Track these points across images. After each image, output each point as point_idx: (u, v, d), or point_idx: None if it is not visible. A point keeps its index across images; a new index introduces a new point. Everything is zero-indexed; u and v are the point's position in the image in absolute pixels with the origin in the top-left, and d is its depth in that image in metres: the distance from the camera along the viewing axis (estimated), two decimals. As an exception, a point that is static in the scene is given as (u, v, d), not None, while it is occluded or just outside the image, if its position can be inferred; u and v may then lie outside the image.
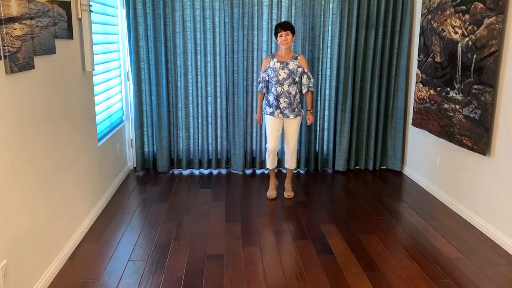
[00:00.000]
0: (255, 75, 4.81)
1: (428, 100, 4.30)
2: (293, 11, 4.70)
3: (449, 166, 4.04)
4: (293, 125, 4.08)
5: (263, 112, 4.18)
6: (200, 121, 4.94)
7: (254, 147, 5.04)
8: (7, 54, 2.21)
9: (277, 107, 4.02)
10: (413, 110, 4.62)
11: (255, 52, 4.77)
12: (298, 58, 4.02)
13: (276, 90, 4.00)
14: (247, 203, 4.09)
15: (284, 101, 4.00)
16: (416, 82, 4.56)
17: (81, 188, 3.40)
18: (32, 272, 2.55)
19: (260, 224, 3.65)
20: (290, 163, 4.22)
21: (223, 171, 5.05)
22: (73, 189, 3.23)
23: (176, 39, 4.68)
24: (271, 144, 4.13)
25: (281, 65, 3.98)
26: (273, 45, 4.76)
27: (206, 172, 5.02)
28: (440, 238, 3.41)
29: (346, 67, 4.80)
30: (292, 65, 3.98)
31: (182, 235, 3.43)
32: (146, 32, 4.63)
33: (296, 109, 4.04)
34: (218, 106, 4.90)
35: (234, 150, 4.96)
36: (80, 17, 3.30)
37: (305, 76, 4.02)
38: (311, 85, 4.05)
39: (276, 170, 4.52)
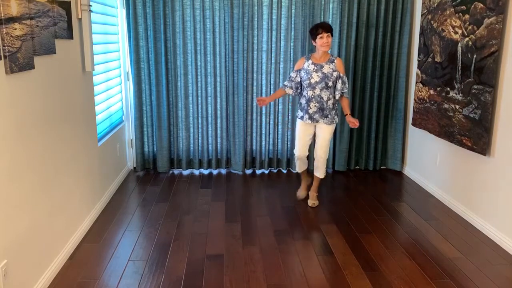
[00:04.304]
0: (255, 75, 4.81)
1: (428, 100, 4.30)
2: (293, 11, 4.70)
3: (449, 166, 4.04)
4: (324, 132, 3.82)
5: (295, 116, 3.95)
6: (200, 121, 4.94)
7: (254, 147, 5.03)
8: (7, 54, 2.21)
9: (306, 111, 3.80)
10: (413, 110, 4.62)
11: (255, 52, 4.76)
12: (335, 61, 3.76)
13: (307, 93, 3.77)
14: (247, 203, 4.09)
15: (315, 106, 3.75)
16: (416, 82, 4.56)
17: (81, 188, 3.40)
18: (32, 272, 2.55)
19: (260, 224, 3.65)
20: (319, 171, 3.97)
21: (223, 171, 5.05)
22: (73, 189, 3.23)
23: (176, 39, 4.68)
24: (298, 150, 3.90)
25: (315, 68, 3.74)
26: (273, 45, 4.75)
27: (206, 172, 5.02)
28: (440, 238, 3.41)
29: (346, 67, 4.80)
30: (327, 68, 3.72)
31: (182, 235, 3.43)
32: (146, 32, 4.63)
33: (329, 116, 3.78)
34: (218, 106, 4.90)
35: (234, 150, 4.96)
36: (80, 17, 3.30)
37: (340, 80, 3.75)
38: (345, 90, 3.78)
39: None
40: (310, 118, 3.79)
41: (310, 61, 3.78)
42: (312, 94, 3.75)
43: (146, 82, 4.74)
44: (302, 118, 3.85)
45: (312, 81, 3.73)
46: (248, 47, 4.74)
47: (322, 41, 3.65)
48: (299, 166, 4.06)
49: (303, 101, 3.84)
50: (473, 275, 2.90)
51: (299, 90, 3.90)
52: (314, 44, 3.75)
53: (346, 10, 4.67)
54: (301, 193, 4.16)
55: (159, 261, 3.02)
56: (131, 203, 4.05)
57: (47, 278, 2.71)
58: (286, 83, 3.91)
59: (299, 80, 3.84)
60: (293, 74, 3.86)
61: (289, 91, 3.90)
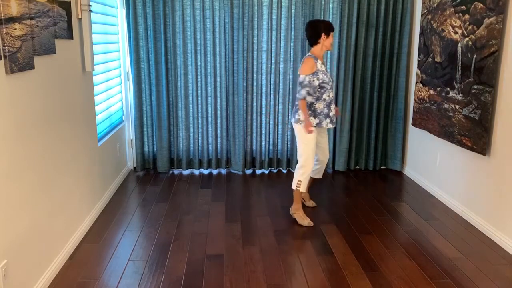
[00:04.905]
0: (255, 75, 4.81)
1: (428, 100, 4.30)
2: (293, 11, 4.70)
3: (449, 166, 4.04)
4: (327, 135, 3.79)
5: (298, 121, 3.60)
6: (200, 121, 4.94)
7: (254, 147, 5.04)
8: (7, 54, 2.21)
9: (327, 115, 3.55)
10: (413, 110, 4.62)
11: (255, 52, 4.77)
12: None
13: (329, 96, 3.52)
14: (247, 203, 4.09)
15: (333, 107, 3.60)
16: (416, 82, 4.56)
17: (81, 188, 3.40)
18: (32, 272, 2.55)
19: (260, 224, 3.65)
20: (320, 173, 3.89)
21: (223, 171, 5.05)
22: (73, 189, 3.23)
23: (176, 39, 4.68)
24: (312, 162, 3.58)
25: (325, 68, 3.56)
26: (273, 45, 4.75)
27: (206, 172, 5.02)
28: (440, 238, 3.41)
29: (346, 67, 4.80)
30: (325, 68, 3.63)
31: (182, 235, 3.43)
32: (146, 32, 4.63)
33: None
34: (218, 106, 4.90)
35: (234, 150, 4.96)
36: (80, 17, 3.30)
37: None
38: None
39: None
40: (331, 121, 3.58)
41: (319, 61, 3.51)
42: (332, 95, 3.57)
43: (146, 82, 4.74)
44: (319, 124, 3.55)
45: (330, 82, 3.54)
46: (248, 47, 4.74)
47: (332, 41, 3.54)
48: (307, 183, 3.69)
49: (321, 105, 3.51)
50: (473, 275, 2.90)
51: (317, 94, 3.52)
52: (323, 41, 3.49)
53: (346, 10, 4.67)
54: (307, 220, 3.64)
55: (159, 261, 3.02)
56: (131, 203, 4.05)
57: (47, 278, 2.71)
58: (304, 92, 3.44)
59: (316, 84, 3.46)
60: (312, 79, 3.45)
61: (310, 99, 3.50)
